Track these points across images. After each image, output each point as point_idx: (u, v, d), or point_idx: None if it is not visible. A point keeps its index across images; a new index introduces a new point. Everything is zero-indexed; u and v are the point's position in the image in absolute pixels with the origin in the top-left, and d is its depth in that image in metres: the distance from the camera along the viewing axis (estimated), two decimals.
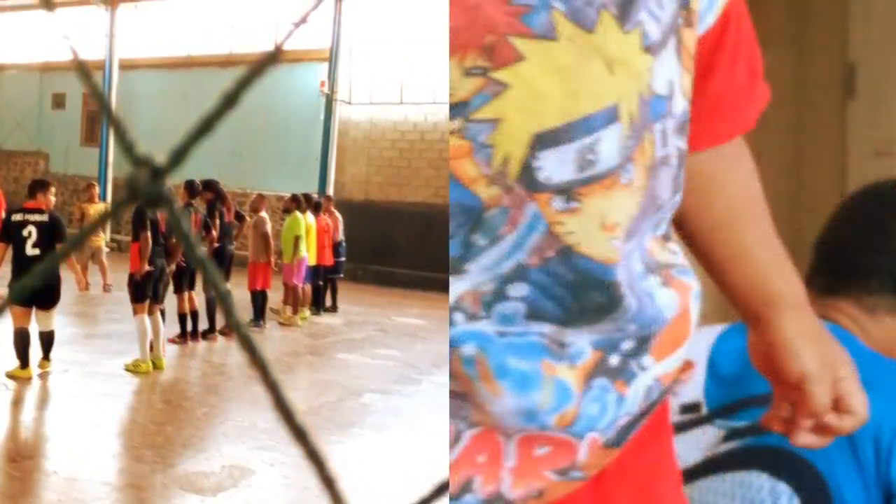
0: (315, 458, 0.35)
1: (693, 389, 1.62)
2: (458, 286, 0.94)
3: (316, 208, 11.63)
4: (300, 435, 0.35)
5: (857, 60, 2.70)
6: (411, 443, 5.95)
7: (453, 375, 0.97)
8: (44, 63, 21.46)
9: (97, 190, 13.66)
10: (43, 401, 6.67)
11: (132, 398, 6.89)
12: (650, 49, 0.93)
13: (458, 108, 0.89)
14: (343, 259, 12.69)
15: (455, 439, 1.01)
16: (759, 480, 1.48)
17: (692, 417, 1.61)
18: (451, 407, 1.00)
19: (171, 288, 8.38)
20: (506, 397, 0.97)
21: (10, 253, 6.92)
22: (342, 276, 12.72)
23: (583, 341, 0.99)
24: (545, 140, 0.89)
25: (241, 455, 5.39)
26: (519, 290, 0.95)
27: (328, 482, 0.36)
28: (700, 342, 1.60)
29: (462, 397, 0.99)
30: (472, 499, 1.02)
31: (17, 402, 6.44)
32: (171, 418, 6.25)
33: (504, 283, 0.94)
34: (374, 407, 6.85)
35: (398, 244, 16.07)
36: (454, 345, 0.96)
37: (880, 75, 2.58)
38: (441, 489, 0.39)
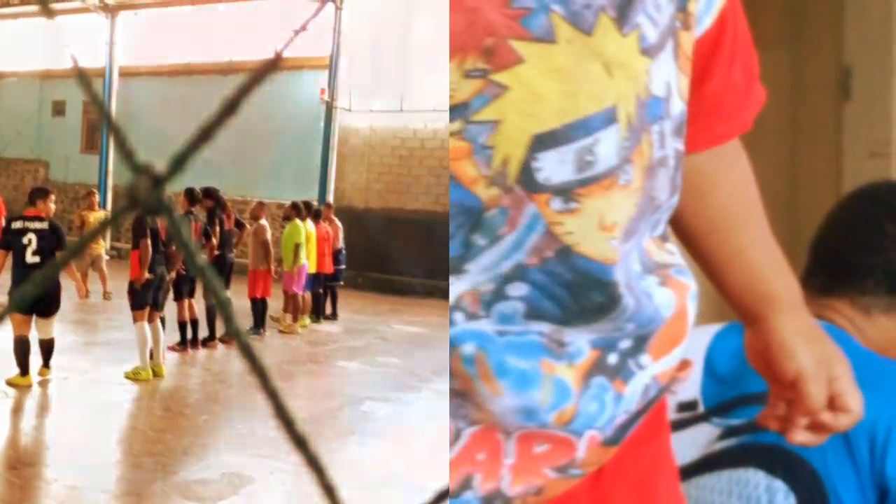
0: (315, 465, 0.36)
1: (690, 388, 1.63)
2: (458, 286, 0.95)
3: (316, 216, 11.64)
4: (300, 443, 0.36)
5: (852, 63, 2.73)
6: (411, 450, 5.95)
7: (453, 374, 0.98)
8: (44, 71, 21.47)
9: (97, 198, 13.65)
10: (43, 408, 6.67)
11: (132, 406, 6.88)
12: (648, 51, 0.94)
13: (458, 110, 0.90)
14: (343, 267, 12.69)
15: (455, 437, 1.02)
16: (756, 478, 1.49)
17: (689, 415, 1.63)
18: (452, 405, 1.01)
19: (170, 296, 8.38)
20: (505, 396, 0.98)
21: (10, 260, 6.92)
22: (342, 283, 12.72)
23: (581, 340, 1.00)
24: (544, 141, 0.91)
25: (241, 463, 5.38)
26: (518, 289, 0.96)
27: (328, 490, 0.36)
28: (697, 341, 1.61)
29: (462, 396, 1.00)
30: (471, 496, 1.03)
31: (17, 410, 6.44)
32: (172, 426, 6.24)
33: (504, 283, 0.96)
34: (374, 415, 6.84)
35: (398, 252, 16.06)
36: (454, 344, 0.97)
37: (875, 77, 2.60)
38: (442, 496, 0.39)
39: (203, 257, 0.36)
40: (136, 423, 6.52)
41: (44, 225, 7.01)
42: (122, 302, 8.85)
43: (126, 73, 20.12)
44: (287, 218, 11.16)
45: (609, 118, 0.92)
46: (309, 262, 11.06)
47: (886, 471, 1.44)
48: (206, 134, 0.35)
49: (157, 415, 6.68)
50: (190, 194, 8.94)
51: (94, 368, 7.72)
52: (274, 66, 0.36)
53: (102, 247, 13.47)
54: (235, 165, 17.42)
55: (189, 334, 8.90)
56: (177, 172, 0.36)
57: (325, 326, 11.46)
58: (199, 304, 8.99)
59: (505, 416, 1.00)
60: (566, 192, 0.93)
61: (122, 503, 4.71)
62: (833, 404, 1.18)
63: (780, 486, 1.47)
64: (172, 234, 0.36)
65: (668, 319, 1.06)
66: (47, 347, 7.03)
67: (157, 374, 7.60)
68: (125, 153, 0.36)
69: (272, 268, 10.27)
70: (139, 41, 20.07)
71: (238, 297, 9.83)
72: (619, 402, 1.04)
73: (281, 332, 10.56)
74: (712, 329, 1.70)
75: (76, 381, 7.24)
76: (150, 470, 5.20)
